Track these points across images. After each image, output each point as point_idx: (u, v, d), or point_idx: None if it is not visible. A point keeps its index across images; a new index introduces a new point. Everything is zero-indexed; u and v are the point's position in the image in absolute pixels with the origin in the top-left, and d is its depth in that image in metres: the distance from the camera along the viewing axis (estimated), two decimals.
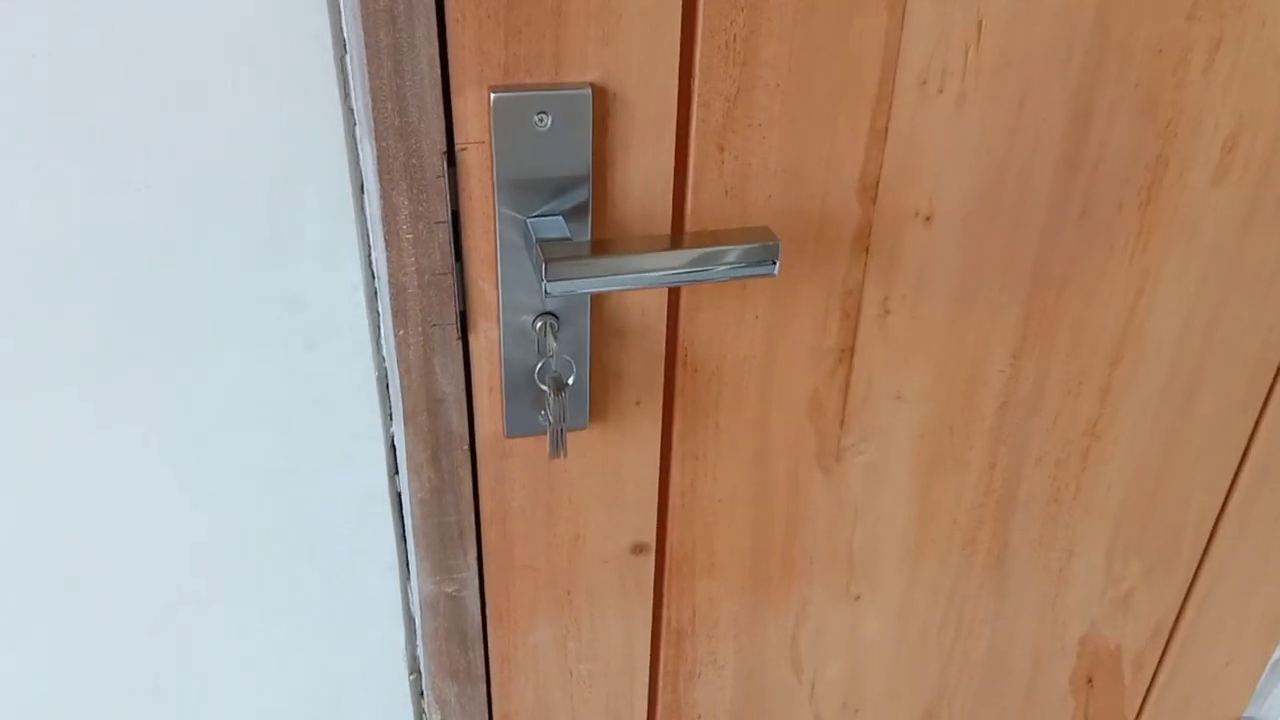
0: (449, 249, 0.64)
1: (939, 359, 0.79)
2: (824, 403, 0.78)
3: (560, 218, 0.63)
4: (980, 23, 0.65)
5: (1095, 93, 0.70)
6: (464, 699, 0.84)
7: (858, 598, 0.90)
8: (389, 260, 0.63)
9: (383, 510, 0.74)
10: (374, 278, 0.65)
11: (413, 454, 0.71)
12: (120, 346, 0.63)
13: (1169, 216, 0.77)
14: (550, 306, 0.67)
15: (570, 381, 0.68)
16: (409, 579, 0.78)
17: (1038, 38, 0.67)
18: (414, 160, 0.60)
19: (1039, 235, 0.75)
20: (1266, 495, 0.96)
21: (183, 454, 0.68)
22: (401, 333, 0.66)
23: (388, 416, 0.70)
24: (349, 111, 0.59)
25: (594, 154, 0.62)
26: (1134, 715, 1.10)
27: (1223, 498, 0.95)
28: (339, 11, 0.57)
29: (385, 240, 0.62)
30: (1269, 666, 1.12)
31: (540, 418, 0.71)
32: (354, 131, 0.60)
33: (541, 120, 0.60)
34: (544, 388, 0.67)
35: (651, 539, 0.81)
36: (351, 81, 0.59)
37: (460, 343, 0.68)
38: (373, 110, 0.58)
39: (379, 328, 0.67)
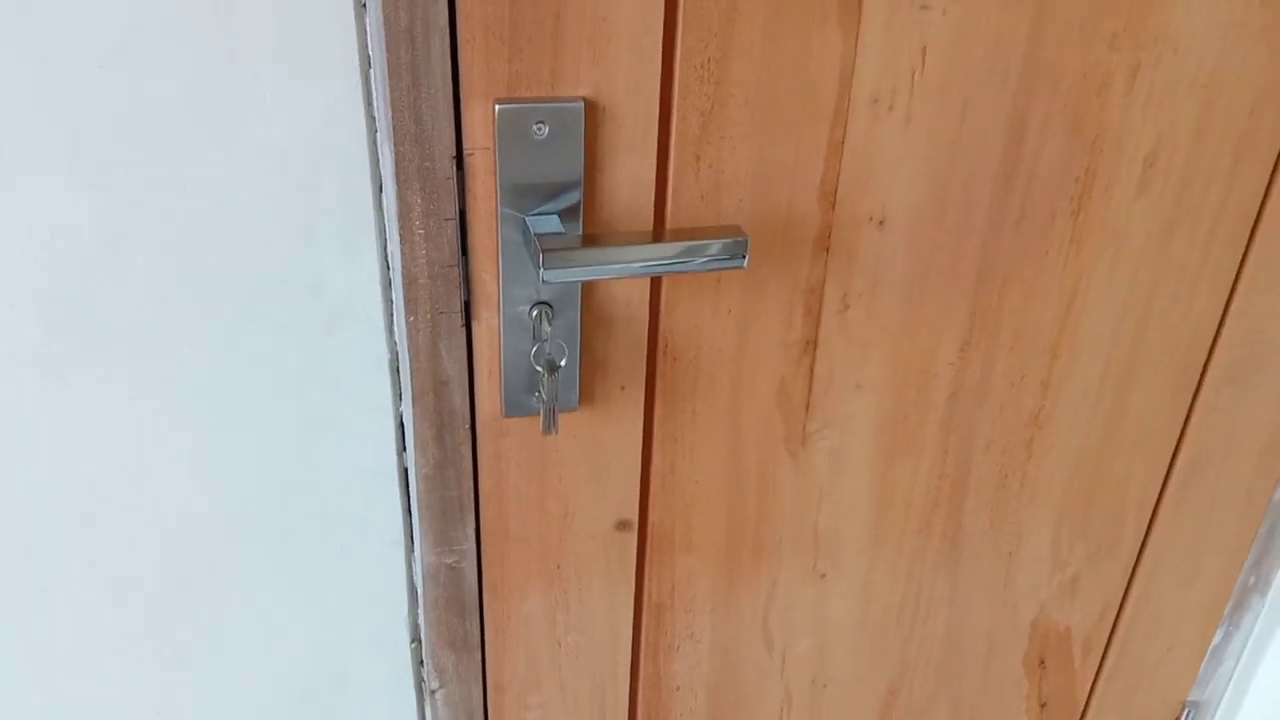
0: (456, 244, 0.72)
1: (893, 352, 0.87)
2: (790, 391, 0.86)
3: (555, 216, 0.72)
4: (924, 48, 0.75)
5: (1028, 112, 0.79)
6: (461, 667, 0.91)
7: (823, 576, 0.98)
8: (403, 253, 0.71)
9: (390, 485, 0.81)
10: (389, 268, 0.73)
11: (419, 432, 0.78)
12: (156, 328, 0.70)
13: (1098, 224, 0.86)
14: (545, 296, 0.75)
15: (562, 364, 0.76)
16: (412, 551, 0.85)
17: (976, 62, 0.76)
18: (427, 163, 0.69)
19: (981, 239, 0.84)
20: (1199, 484, 1.04)
21: (209, 428, 0.75)
22: (412, 319, 0.74)
23: (397, 397, 0.78)
24: (371, 119, 0.68)
25: (585, 160, 0.71)
26: (1084, 697, 1.18)
27: (1159, 486, 1.03)
28: (365, 32, 0.65)
29: (400, 235, 0.71)
30: (1209, 652, 1.20)
31: (534, 400, 0.79)
32: (375, 137, 0.68)
33: (539, 129, 0.69)
34: (539, 369, 0.75)
35: (634, 516, 0.88)
36: (374, 93, 0.67)
37: (464, 329, 0.76)
38: (392, 118, 0.67)
39: (392, 314, 0.75)
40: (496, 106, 0.68)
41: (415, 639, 0.90)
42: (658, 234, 0.75)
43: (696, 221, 0.76)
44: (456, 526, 0.84)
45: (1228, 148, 0.85)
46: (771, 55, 0.72)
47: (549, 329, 0.74)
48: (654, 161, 0.73)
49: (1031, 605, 1.08)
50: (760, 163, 0.75)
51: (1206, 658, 1.20)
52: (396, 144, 0.67)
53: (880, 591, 1.01)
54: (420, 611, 0.88)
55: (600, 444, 0.83)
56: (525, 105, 0.68)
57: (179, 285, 0.69)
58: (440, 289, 0.73)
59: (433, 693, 0.92)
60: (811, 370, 0.86)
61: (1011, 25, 0.75)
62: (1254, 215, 0.90)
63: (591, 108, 0.70)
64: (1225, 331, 0.96)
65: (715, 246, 0.71)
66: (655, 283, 0.78)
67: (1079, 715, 1.19)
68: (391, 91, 0.66)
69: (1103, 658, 1.15)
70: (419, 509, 0.82)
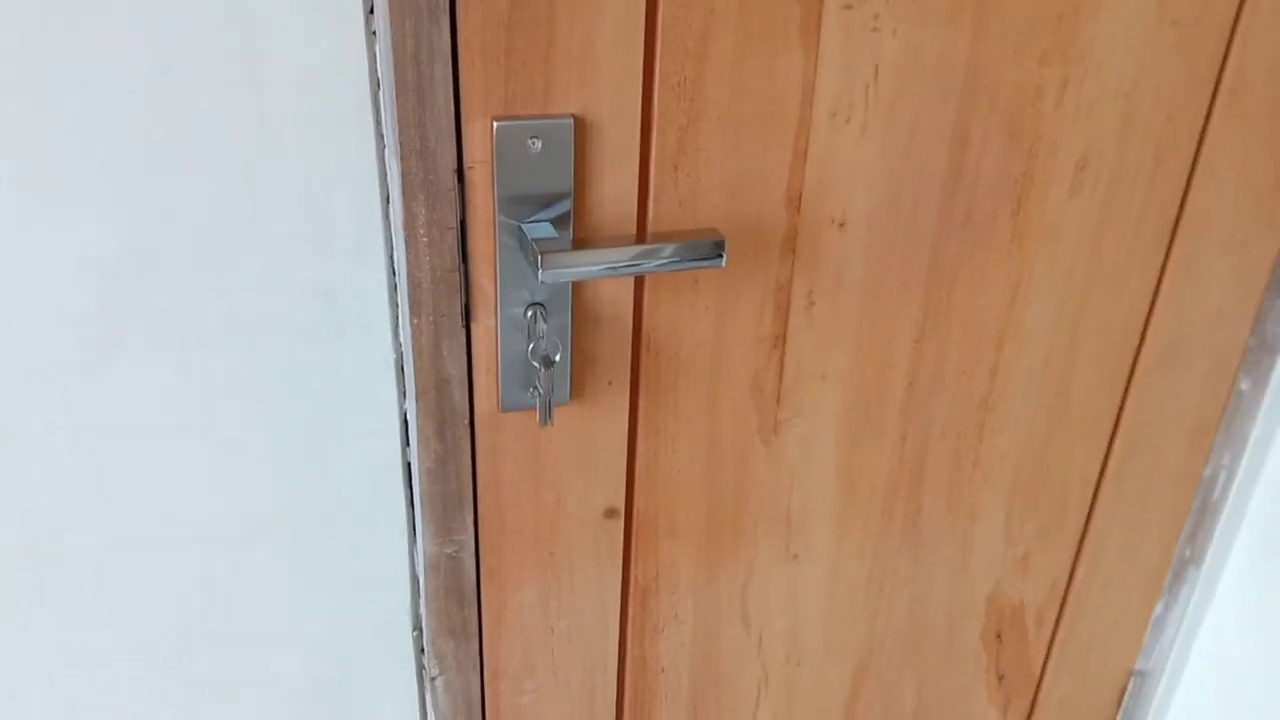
0: (457, 251, 0.78)
1: (855, 344, 0.95)
2: (763, 382, 0.93)
3: (549, 223, 0.78)
4: (877, 66, 0.83)
5: (970, 122, 0.88)
6: (459, 655, 0.97)
7: (796, 557, 1.05)
8: (408, 260, 0.77)
9: (395, 479, 0.87)
10: (395, 275, 0.79)
11: (422, 428, 0.84)
12: (179, 334, 0.76)
13: (1036, 223, 0.94)
14: (540, 298, 0.81)
15: (557, 359, 0.83)
16: (415, 542, 0.90)
17: (923, 78, 0.84)
18: (431, 176, 0.75)
19: (931, 239, 0.92)
20: (1137, 463, 1.13)
21: (226, 428, 0.80)
22: (416, 321, 0.80)
23: (402, 395, 0.84)
24: (380, 137, 0.74)
25: (575, 171, 0.78)
26: (1039, 668, 1.26)
27: (1100, 465, 1.12)
28: (374, 57, 0.71)
29: (406, 243, 0.77)
30: (1151, 622, 1.29)
31: (529, 395, 0.85)
32: (383, 153, 0.75)
33: (534, 144, 0.76)
34: (536, 365, 0.81)
35: (621, 504, 0.95)
36: (383, 112, 0.73)
37: (464, 330, 0.82)
38: (399, 135, 0.73)
39: (398, 318, 0.81)
40: (494, 124, 0.74)
41: (417, 627, 0.95)
42: (640, 238, 0.82)
43: (676, 226, 0.83)
44: (456, 518, 0.89)
45: (1149, 152, 0.94)
46: (741, 75, 0.79)
47: (545, 327, 0.81)
48: (636, 172, 0.80)
49: (987, 582, 1.15)
50: (732, 172, 0.82)
51: (1149, 628, 1.29)
52: (403, 159, 0.74)
53: (848, 571, 1.08)
54: (422, 601, 0.93)
55: (589, 436, 0.90)
56: (520, 122, 0.75)
57: (201, 294, 0.75)
58: (442, 293, 0.79)
59: (433, 680, 0.97)
60: (781, 363, 0.93)
61: (953, 44, 0.84)
62: (1175, 213, 0.99)
63: (580, 124, 0.77)
64: (1154, 320, 1.05)
65: (696, 247, 0.78)
66: (639, 284, 0.85)
67: (1034, 686, 1.27)
68: (398, 111, 0.72)
69: (1054, 630, 1.23)
70: (421, 501, 0.88)
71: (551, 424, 0.85)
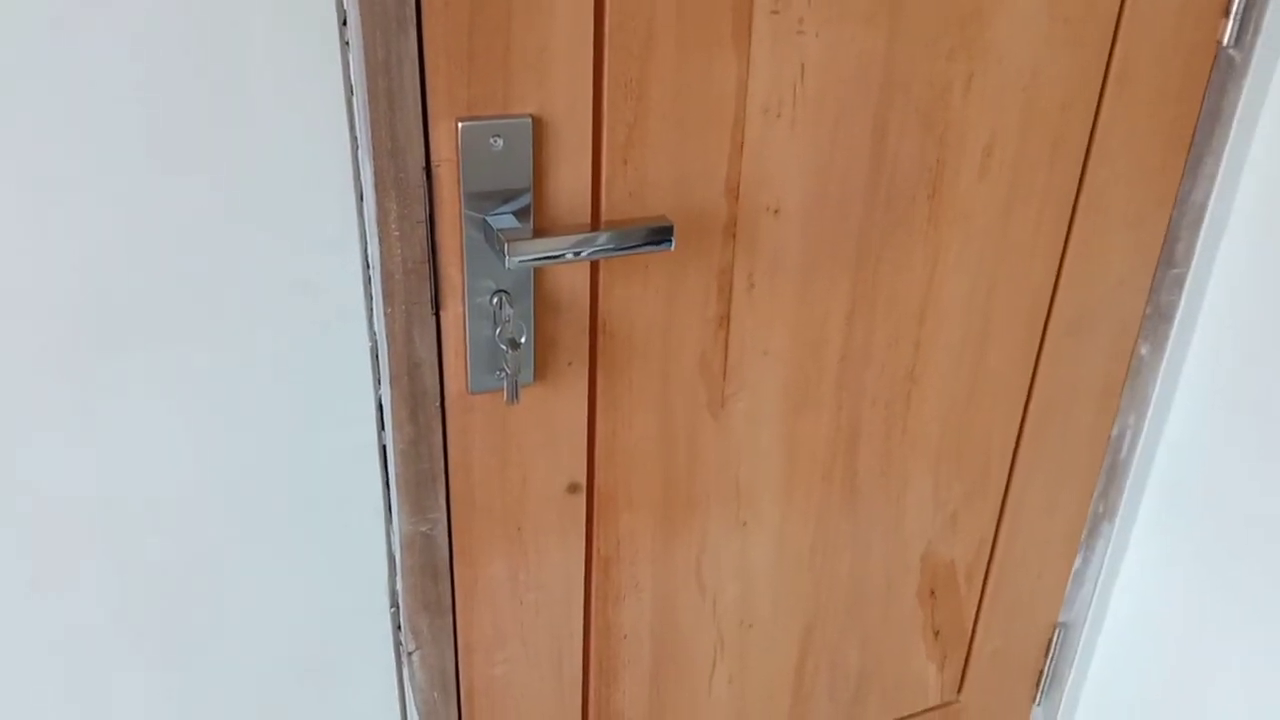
0: (426, 243, 0.85)
1: (792, 322, 1.03)
2: (710, 360, 1.01)
3: (511, 215, 0.85)
4: (803, 65, 0.91)
5: (888, 114, 0.96)
6: (434, 629, 1.02)
7: (745, 525, 1.12)
8: (381, 253, 0.83)
9: (371, 461, 0.92)
10: (369, 267, 0.85)
11: (396, 411, 0.90)
12: (166, 325, 0.81)
13: (950, 206, 1.04)
14: (504, 285, 0.88)
15: (523, 341, 0.89)
16: (391, 522, 0.96)
17: (844, 76, 0.93)
18: (401, 174, 0.81)
19: (857, 222, 1.00)
20: (1050, 425, 1.23)
21: (210, 415, 0.85)
22: (389, 310, 0.86)
23: (377, 381, 0.89)
24: (354, 138, 0.80)
25: (534, 167, 0.85)
26: (971, 624, 1.35)
27: (1017, 429, 1.22)
28: (348, 65, 0.77)
29: (379, 237, 0.83)
30: (1071, 576, 1.39)
31: (496, 377, 0.91)
32: (357, 153, 0.81)
33: (495, 142, 0.82)
34: (503, 346, 0.88)
35: (583, 479, 1.01)
36: (355, 115, 0.79)
37: (434, 318, 0.88)
38: (371, 136, 0.79)
39: (372, 307, 0.86)
40: (459, 124, 0.81)
41: (394, 605, 1.00)
42: (595, 226, 0.89)
43: (626, 215, 0.90)
44: (429, 497, 0.95)
45: (1048, 139, 1.04)
46: (681, 75, 0.87)
47: (510, 311, 0.87)
48: (589, 166, 0.87)
49: (920, 542, 1.24)
50: (677, 164, 0.90)
51: (1070, 582, 1.39)
52: (375, 158, 0.80)
53: (793, 536, 1.16)
54: (398, 578, 0.99)
55: (552, 415, 0.96)
56: (483, 122, 0.81)
57: (186, 287, 0.80)
58: (413, 283, 0.86)
59: (409, 655, 1.03)
60: (726, 342, 1.01)
61: (871, 44, 0.92)
62: (1074, 194, 1.09)
63: (537, 123, 0.83)
64: (1059, 293, 1.15)
65: (647, 232, 0.85)
66: (595, 269, 0.92)
67: (967, 640, 1.37)
68: (371, 113, 0.78)
69: (983, 586, 1.33)
70: (396, 482, 0.93)
71: (518, 403, 0.92)
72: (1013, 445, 1.23)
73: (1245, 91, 1.09)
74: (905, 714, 1.39)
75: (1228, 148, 1.12)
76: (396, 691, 1.04)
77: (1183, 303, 1.20)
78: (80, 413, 0.81)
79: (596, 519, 1.04)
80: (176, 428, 0.85)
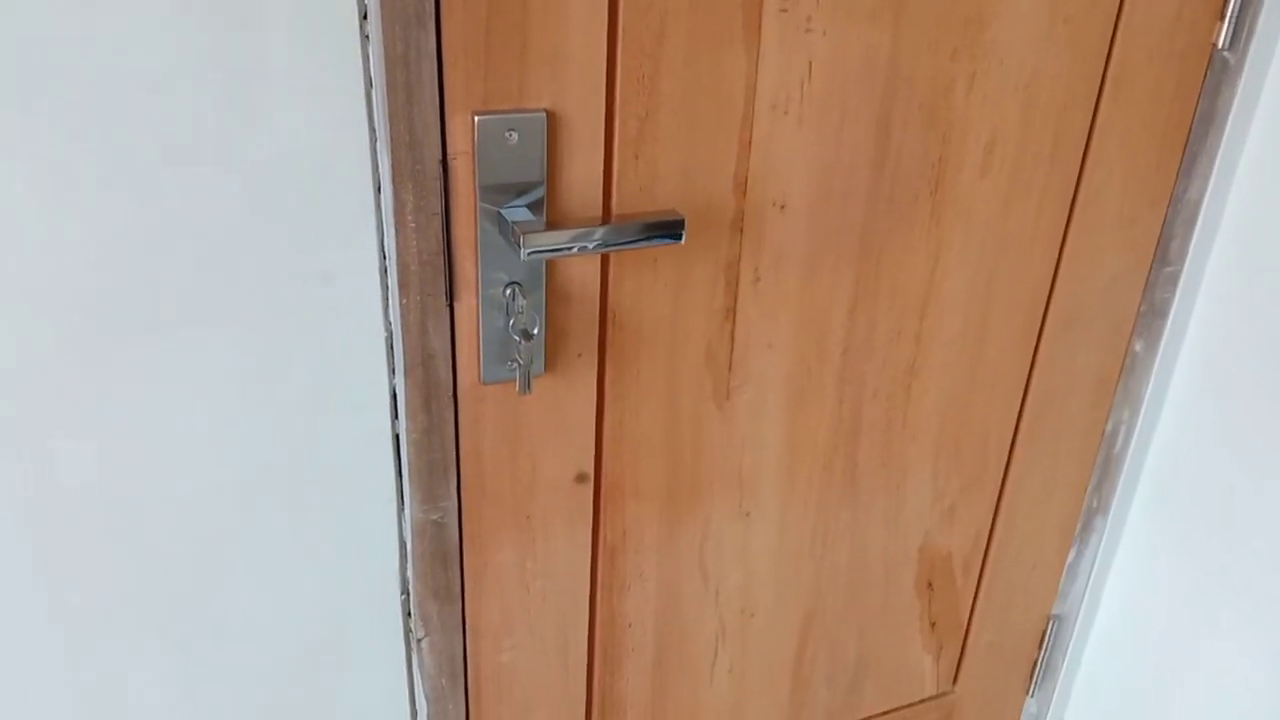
0: (442, 235, 0.86)
1: (796, 315, 1.05)
2: (715, 352, 1.03)
3: (525, 208, 0.87)
4: (810, 63, 0.93)
5: (892, 112, 0.98)
6: (443, 616, 1.04)
7: (748, 514, 1.14)
8: (397, 244, 0.85)
9: (385, 450, 0.94)
10: (385, 258, 0.86)
11: (410, 401, 0.92)
12: (185, 315, 0.82)
13: (951, 202, 1.06)
14: (517, 276, 0.89)
15: (535, 332, 0.91)
16: (403, 509, 0.98)
17: (850, 73, 0.95)
18: (418, 167, 0.83)
19: (861, 217, 1.02)
20: (1046, 419, 1.25)
21: (228, 404, 0.86)
22: (404, 301, 0.87)
23: (391, 371, 0.91)
24: (372, 131, 0.81)
25: (548, 160, 0.86)
26: (967, 615, 1.37)
27: (1014, 422, 1.24)
28: (367, 59, 0.79)
29: (395, 228, 0.84)
30: (1065, 569, 1.41)
31: (507, 368, 0.93)
32: (375, 146, 0.82)
33: (510, 136, 0.84)
34: (516, 337, 0.89)
35: (591, 469, 1.03)
36: (374, 109, 0.81)
37: (448, 309, 0.89)
38: (389, 129, 0.81)
39: (388, 299, 0.88)
40: (475, 118, 0.82)
41: (404, 591, 1.02)
42: (605, 219, 0.91)
43: (636, 209, 0.92)
44: (441, 485, 0.97)
45: (1048, 137, 1.06)
46: (692, 71, 0.88)
47: (523, 303, 0.89)
48: (602, 160, 0.89)
49: (918, 533, 1.26)
50: (686, 159, 0.92)
51: (1064, 574, 1.41)
52: (393, 151, 0.81)
53: (794, 526, 1.18)
54: (409, 565, 1.00)
55: (562, 405, 0.98)
56: (498, 116, 0.83)
57: (206, 277, 0.81)
58: (428, 274, 0.87)
59: (419, 641, 1.04)
60: (732, 334, 1.02)
61: (876, 43, 0.94)
62: (1072, 191, 1.11)
63: (551, 117, 0.85)
64: (1057, 288, 1.17)
65: (658, 225, 0.87)
66: (605, 262, 0.93)
67: (963, 632, 1.39)
68: (389, 107, 0.80)
69: (979, 578, 1.35)
70: (409, 471, 0.95)
71: (530, 393, 0.93)
72: (1010, 439, 1.25)
73: (1239, 93, 1.11)
74: (901, 704, 1.41)
75: (1222, 147, 1.14)
76: (405, 678, 1.06)
77: (1176, 300, 1.22)
78: (95, 401, 0.82)
79: (603, 508, 1.06)
80: (191, 416, 0.86)
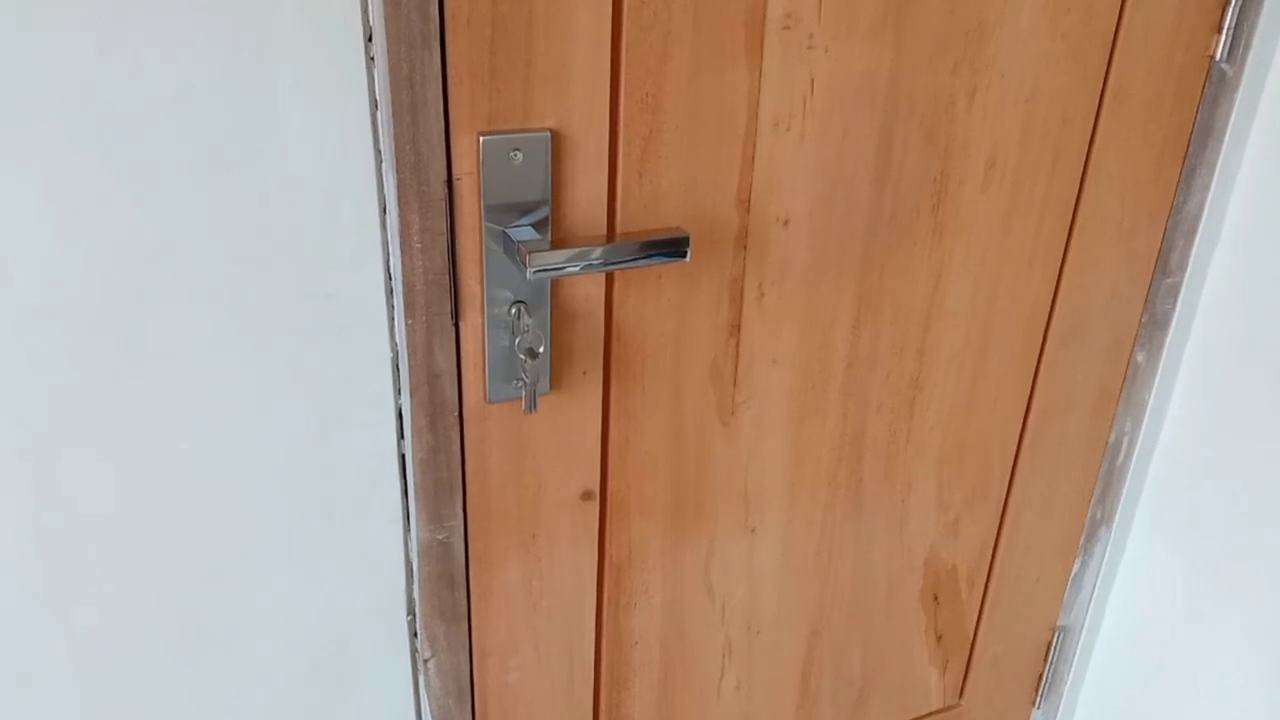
0: (447, 255, 0.86)
1: (800, 330, 1.05)
2: (720, 368, 1.03)
3: (530, 227, 0.87)
4: (812, 80, 0.93)
5: (893, 128, 0.99)
6: (450, 636, 1.04)
7: (753, 530, 1.14)
8: (403, 264, 0.85)
9: (391, 470, 0.94)
10: (390, 278, 0.86)
11: (416, 420, 0.92)
12: (192, 334, 0.82)
13: (952, 217, 1.06)
14: (522, 295, 0.90)
15: (541, 351, 0.91)
16: (409, 529, 0.97)
17: (851, 90, 0.95)
18: (424, 187, 0.83)
19: (863, 233, 1.03)
20: (1049, 432, 1.26)
21: (235, 424, 0.86)
22: (410, 321, 0.87)
23: (397, 390, 0.91)
24: (378, 151, 0.81)
25: (552, 180, 0.86)
26: (973, 627, 1.37)
27: (1017, 435, 1.24)
28: (373, 80, 0.79)
29: (401, 248, 0.84)
30: (1070, 580, 1.41)
31: (513, 387, 0.93)
32: (381, 166, 0.82)
33: (515, 155, 0.84)
34: (521, 356, 0.89)
35: (596, 486, 1.03)
36: (380, 130, 0.81)
37: (454, 328, 0.89)
38: (395, 150, 0.81)
39: (394, 318, 0.88)
40: (480, 138, 0.83)
41: (411, 612, 1.02)
42: (610, 237, 0.91)
43: (641, 226, 0.92)
44: (447, 505, 0.97)
45: (1048, 152, 1.07)
46: (696, 89, 0.89)
47: (529, 321, 0.89)
48: (606, 179, 0.89)
49: (922, 547, 1.26)
50: (690, 176, 0.92)
51: (1069, 586, 1.41)
52: (399, 171, 0.82)
53: (799, 541, 1.18)
54: (415, 586, 1.00)
55: (567, 423, 0.98)
56: (503, 136, 0.83)
57: (213, 297, 0.81)
58: (434, 294, 0.87)
59: (425, 662, 1.04)
60: (737, 350, 1.03)
61: (877, 59, 0.95)
62: (1073, 205, 1.12)
63: (556, 137, 0.85)
64: (1058, 303, 1.17)
65: (663, 243, 0.87)
66: (610, 280, 0.94)
67: (969, 645, 1.39)
68: (395, 128, 0.80)
69: (985, 591, 1.35)
70: (415, 490, 0.95)
71: (536, 411, 0.93)
72: (1013, 451, 1.25)
73: (1237, 104, 1.12)
74: (908, 717, 1.41)
75: (1220, 159, 1.15)
76: (412, 698, 1.06)
77: (1178, 310, 1.23)
78: (102, 418, 0.82)
79: (609, 526, 1.06)
80: (197, 435, 0.86)
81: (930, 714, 1.43)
